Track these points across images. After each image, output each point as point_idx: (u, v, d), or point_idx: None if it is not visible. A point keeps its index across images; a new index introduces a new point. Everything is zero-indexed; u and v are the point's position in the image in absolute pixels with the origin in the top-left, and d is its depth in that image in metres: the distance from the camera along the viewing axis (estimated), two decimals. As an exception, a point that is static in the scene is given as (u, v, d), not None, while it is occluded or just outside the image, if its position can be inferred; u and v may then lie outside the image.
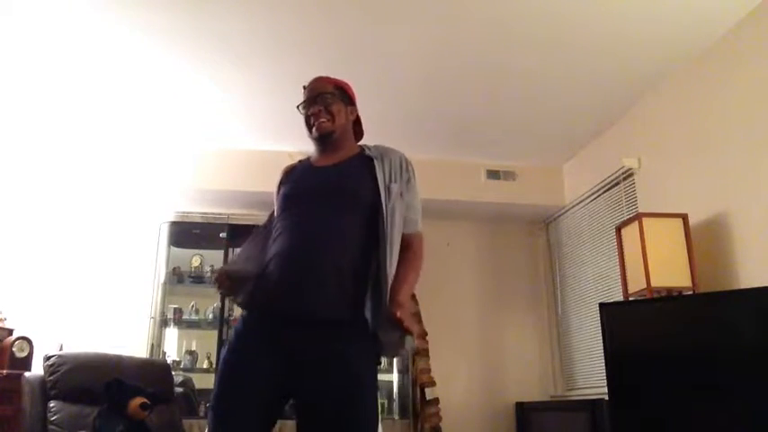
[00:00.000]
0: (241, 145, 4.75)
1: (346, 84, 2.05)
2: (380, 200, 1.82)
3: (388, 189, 1.85)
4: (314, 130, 1.95)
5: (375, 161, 1.90)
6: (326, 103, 1.94)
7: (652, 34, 3.38)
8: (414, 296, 4.16)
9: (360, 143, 2.04)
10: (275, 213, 1.97)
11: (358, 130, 2.07)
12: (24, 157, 4.51)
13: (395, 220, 1.82)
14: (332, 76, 2.04)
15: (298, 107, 1.99)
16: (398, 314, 1.65)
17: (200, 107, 4.23)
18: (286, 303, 1.73)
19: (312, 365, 1.69)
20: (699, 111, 3.53)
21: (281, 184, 2.01)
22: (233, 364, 1.74)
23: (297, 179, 1.96)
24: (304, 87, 2.02)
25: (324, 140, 1.95)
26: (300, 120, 2.01)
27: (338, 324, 1.73)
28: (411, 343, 1.72)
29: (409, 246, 1.87)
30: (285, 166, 2.08)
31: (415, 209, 1.92)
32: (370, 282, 1.81)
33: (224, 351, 1.79)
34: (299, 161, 2.08)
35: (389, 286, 1.75)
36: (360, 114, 2.06)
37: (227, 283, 1.85)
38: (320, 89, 1.97)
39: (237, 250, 2.00)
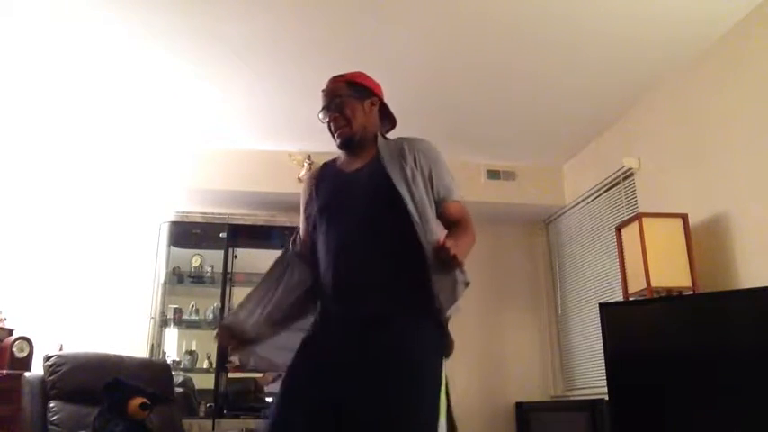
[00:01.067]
0: (241, 145, 4.75)
1: (359, 75, 2.00)
2: (402, 192, 1.79)
3: (405, 176, 1.82)
4: (336, 136, 1.94)
5: (383, 157, 1.87)
6: (340, 107, 1.92)
7: (652, 35, 3.38)
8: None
9: (378, 137, 1.98)
10: (309, 226, 1.95)
11: (386, 115, 2.04)
12: (24, 157, 4.51)
13: (422, 201, 1.80)
14: (347, 73, 2.00)
15: (318, 115, 1.98)
16: (445, 243, 1.65)
17: (200, 107, 4.23)
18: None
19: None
20: (699, 111, 3.53)
21: (312, 194, 1.98)
22: None
23: (329, 192, 1.93)
24: (323, 92, 1.99)
25: (347, 146, 1.94)
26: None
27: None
28: (462, 278, 1.72)
29: (458, 219, 1.89)
30: (313, 172, 2.07)
31: (447, 178, 1.90)
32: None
33: None
34: (326, 164, 2.05)
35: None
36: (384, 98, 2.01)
37: (231, 342, 1.87)
38: (333, 93, 1.95)
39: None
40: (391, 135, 2.06)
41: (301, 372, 1.75)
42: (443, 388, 1.75)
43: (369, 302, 1.75)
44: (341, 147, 1.96)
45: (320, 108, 1.97)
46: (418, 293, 1.72)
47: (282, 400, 1.72)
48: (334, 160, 2.04)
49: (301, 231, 2.01)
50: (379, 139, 1.95)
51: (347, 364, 1.68)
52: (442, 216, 1.89)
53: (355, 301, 1.76)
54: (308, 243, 1.95)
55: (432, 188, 1.87)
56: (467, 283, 1.76)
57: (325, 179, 1.98)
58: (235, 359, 1.98)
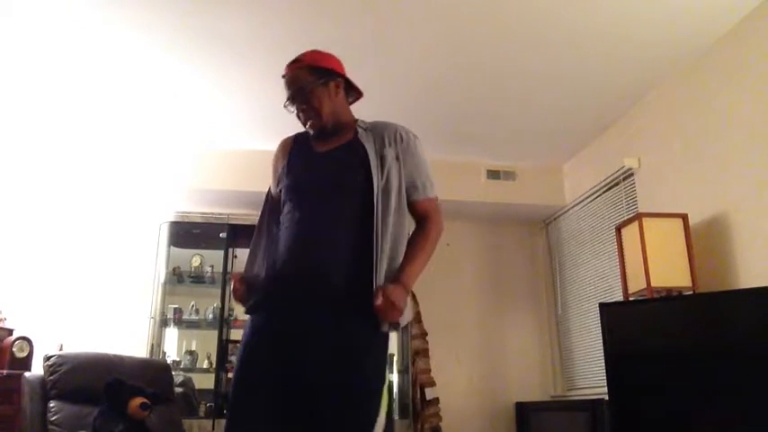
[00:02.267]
0: (241, 145, 4.75)
1: (318, 56, 1.93)
2: (373, 182, 1.78)
3: (381, 159, 1.82)
4: (308, 128, 1.93)
5: (366, 144, 1.85)
6: (307, 98, 1.86)
7: (652, 35, 3.38)
8: (414, 296, 4.16)
9: (357, 120, 1.95)
10: (277, 199, 1.96)
11: (351, 87, 1.97)
12: (24, 157, 4.51)
13: (390, 192, 1.80)
14: (305, 56, 1.93)
15: (285, 106, 1.93)
16: (378, 302, 1.66)
17: (200, 107, 4.23)
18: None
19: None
20: (699, 111, 3.53)
21: (282, 165, 1.96)
22: None
23: (298, 170, 1.91)
24: (282, 77, 1.93)
25: (321, 133, 1.92)
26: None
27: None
28: (402, 322, 1.75)
29: (424, 216, 1.88)
30: (286, 141, 2.03)
31: (420, 173, 1.88)
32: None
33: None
34: (298, 136, 2.01)
35: (387, 263, 1.74)
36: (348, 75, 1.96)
37: (242, 290, 1.84)
38: (295, 82, 1.88)
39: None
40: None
41: (256, 355, 1.74)
42: (386, 387, 1.80)
43: (321, 292, 1.73)
44: (314, 136, 1.94)
45: (285, 98, 1.90)
46: (369, 291, 1.71)
47: (240, 387, 1.72)
48: (306, 134, 1.98)
49: (272, 190, 2.01)
50: (362, 130, 1.90)
51: (301, 347, 1.68)
52: (412, 211, 1.89)
53: (309, 288, 1.74)
54: (275, 205, 1.96)
55: (406, 180, 1.86)
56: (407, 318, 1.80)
57: (296, 154, 1.95)
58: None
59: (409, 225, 1.87)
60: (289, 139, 2.03)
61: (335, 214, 1.80)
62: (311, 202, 1.83)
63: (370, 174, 1.79)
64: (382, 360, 1.80)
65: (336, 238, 1.78)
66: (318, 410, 1.64)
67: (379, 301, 1.66)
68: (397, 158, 1.84)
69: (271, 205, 1.98)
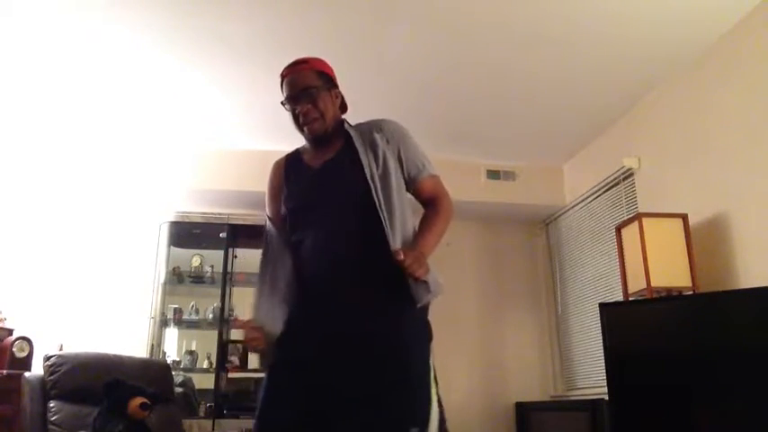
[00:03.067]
0: (241, 145, 4.75)
1: (323, 63, 1.93)
2: (372, 189, 1.75)
3: (374, 149, 1.80)
4: (306, 130, 1.86)
5: (356, 142, 1.83)
6: (313, 99, 1.83)
7: (652, 35, 3.38)
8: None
9: (345, 124, 1.92)
10: (280, 209, 1.89)
11: (342, 107, 1.95)
12: (24, 157, 4.51)
13: (388, 176, 1.78)
14: (310, 59, 1.92)
15: (282, 104, 1.89)
16: (400, 258, 1.60)
17: (200, 107, 4.23)
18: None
19: None
20: (699, 111, 3.53)
21: (282, 185, 1.91)
22: None
23: (299, 193, 1.87)
24: (282, 76, 1.90)
25: (320, 140, 1.88)
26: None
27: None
28: (434, 280, 1.73)
29: (432, 194, 1.88)
30: (279, 162, 1.98)
31: (417, 154, 1.88)
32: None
33: None
34: (290, 156, 1.98)
35: (402, 238, 1.73)
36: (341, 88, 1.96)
37: (260, 338, 1.75)
38: (304, 83, 1.85)
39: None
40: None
41: (284, 369, 1.71)
42: (432, 374, 1.76)
43: (350, 302, 1.71)
44: (312, 141, 1.89)
45: (286, 96, 1.87)
46: (396, 286, 1.68)
47: (268, 400, 1.69)
48: (297, 152, 1.96)
49: (271, 213, 1.94)
50: (351, 130, 1.88)
51: (333, 359, 1.65)
52: (417, 195, 1.88)
53: (337, 302, 1.72)
54: (281, 225, 1.89)
55: (403, 168, 1.84)
56: (439, 283, 1.77)
57: (293, 173, 1.91)
58: (256, 359, 1.93)
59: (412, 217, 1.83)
60: (280, 161, 1.99)
61: (347, 227, 1.77)
62: (321, 222, 1.79)
63: (369, 182, 1.77)
64: (426, 347, 1.79)
65: (354, 249, 1.75)
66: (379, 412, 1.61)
67: (401, 255, 1.61)
68: (389, 143, 1.83)
69: (274, 233, 1.91)
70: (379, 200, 1.73)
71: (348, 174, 1.80)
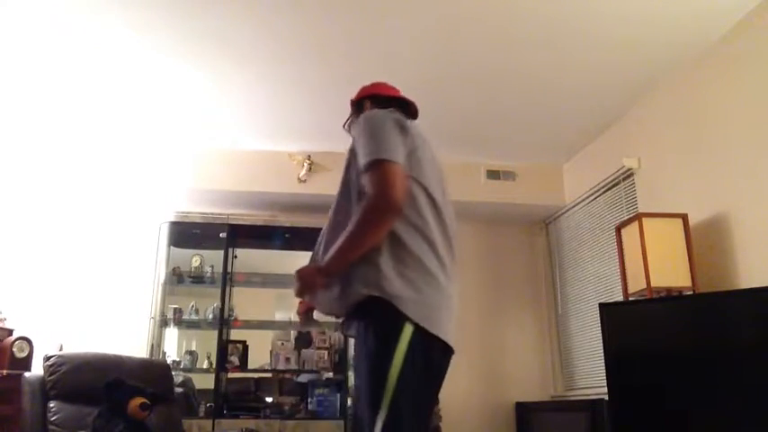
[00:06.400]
0: (241, 145, 4.75)
1: (359, 91, 2.12)
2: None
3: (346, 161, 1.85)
4: None
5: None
6: (349, 129, 2.02)
7: (652, 35, 3.38)
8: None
9: None
10: None
11: (386, 100, 2.07)
12: (24, 157, 4.52)
13: (345, 184, 1.82)
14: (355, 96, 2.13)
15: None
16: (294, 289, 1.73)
17: (200, 107, 4.23)
18: None
19: None
20: (699, 111, 3.53)
21: None
22: None
23: None
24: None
25: None
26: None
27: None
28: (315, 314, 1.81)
29: (366, 194, 1.69)
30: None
31: (360, 146, 1.75)
32: None
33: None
34: None
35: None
36: (373, 96, 2.10)
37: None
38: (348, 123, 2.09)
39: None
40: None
41: None
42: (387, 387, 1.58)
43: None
44: None
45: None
46: (340, 296, 1.74)
47: None
48: None
49: None
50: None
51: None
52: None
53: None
54: None
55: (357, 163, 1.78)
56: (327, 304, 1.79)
57: None
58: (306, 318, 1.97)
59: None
60: None
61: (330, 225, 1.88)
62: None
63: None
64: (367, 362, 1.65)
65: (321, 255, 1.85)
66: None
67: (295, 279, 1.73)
68: (352, 147, 1.82)
69: None
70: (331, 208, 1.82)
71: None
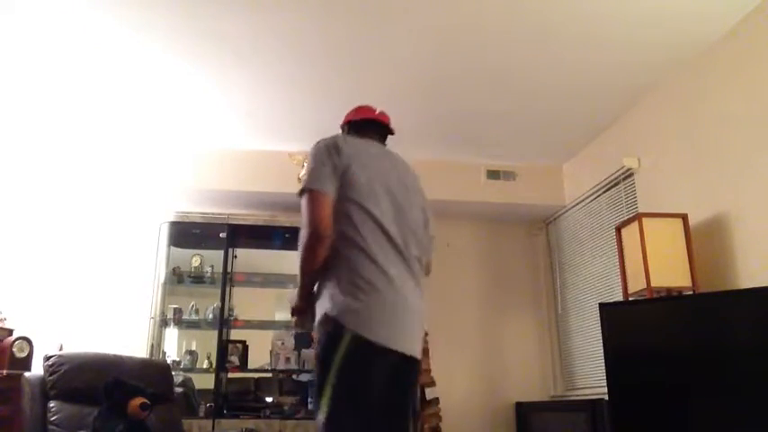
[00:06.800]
0: (241, 145, 4.75)
1: (343, 119, 2.31)
2: None
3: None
4: None
5: None
6: None
7: (652, 35, 3.38)
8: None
9: None
10: None
11: (360, 124, 2.28)
12: (24, 157, 4.51)
13: None
14: None
15: None
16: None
17: (200, 107, 4.23)
18: None
19: None
20: (699, 111, 3.53)
21: None
22: None
23: None
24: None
25: None
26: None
27: None
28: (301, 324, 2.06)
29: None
30: None
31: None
32: None
33: None
34: None
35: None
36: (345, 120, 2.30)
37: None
38: None
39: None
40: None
41: None
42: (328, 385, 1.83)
43: None
44: None
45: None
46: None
47: None
48: None
49: None
50: None
51: None
52: None
53: None
54: None
55: None
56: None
57: None
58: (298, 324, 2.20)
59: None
60: None
61: None
62: None
63: None
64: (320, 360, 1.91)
65: None
66: None
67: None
68: None
69: None
70: None
71: None
